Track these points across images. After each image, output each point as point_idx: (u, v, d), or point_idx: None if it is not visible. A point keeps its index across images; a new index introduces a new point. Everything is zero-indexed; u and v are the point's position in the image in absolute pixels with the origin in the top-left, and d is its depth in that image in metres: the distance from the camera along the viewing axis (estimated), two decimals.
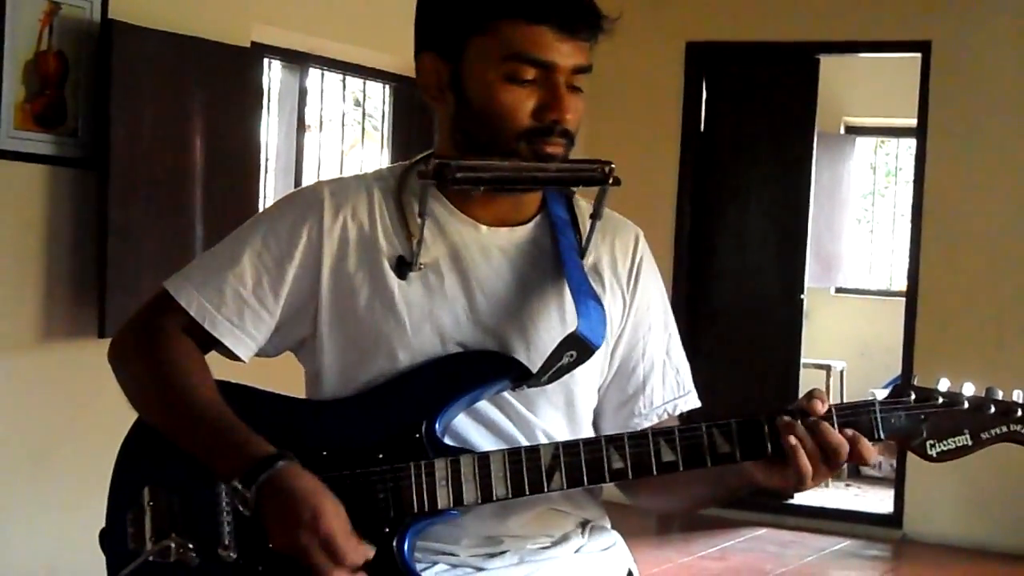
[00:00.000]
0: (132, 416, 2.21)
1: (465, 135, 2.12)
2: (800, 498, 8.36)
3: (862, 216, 11.32)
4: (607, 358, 2.25)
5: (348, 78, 7.23)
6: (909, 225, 8.07)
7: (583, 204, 2.27)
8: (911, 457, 7.17)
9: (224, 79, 5.69)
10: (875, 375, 9.46)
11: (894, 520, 7.92)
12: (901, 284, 9.14)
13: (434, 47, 2.14)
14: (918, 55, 7.87)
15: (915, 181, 8.04)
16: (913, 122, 8.06)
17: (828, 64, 8.74)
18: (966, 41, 7.72)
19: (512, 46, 2.05)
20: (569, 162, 2.10)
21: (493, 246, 2.17)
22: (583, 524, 2.23)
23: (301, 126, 6.76)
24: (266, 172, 6.23)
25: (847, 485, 9.39)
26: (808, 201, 8.48)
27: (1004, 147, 7.65)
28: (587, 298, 2.13)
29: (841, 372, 9.87)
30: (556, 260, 2.18)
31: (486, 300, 2.14)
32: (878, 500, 8.72)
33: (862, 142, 10.93)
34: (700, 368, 2.51)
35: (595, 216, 2.18)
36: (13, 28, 4.92)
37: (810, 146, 8.48)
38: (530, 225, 2.21)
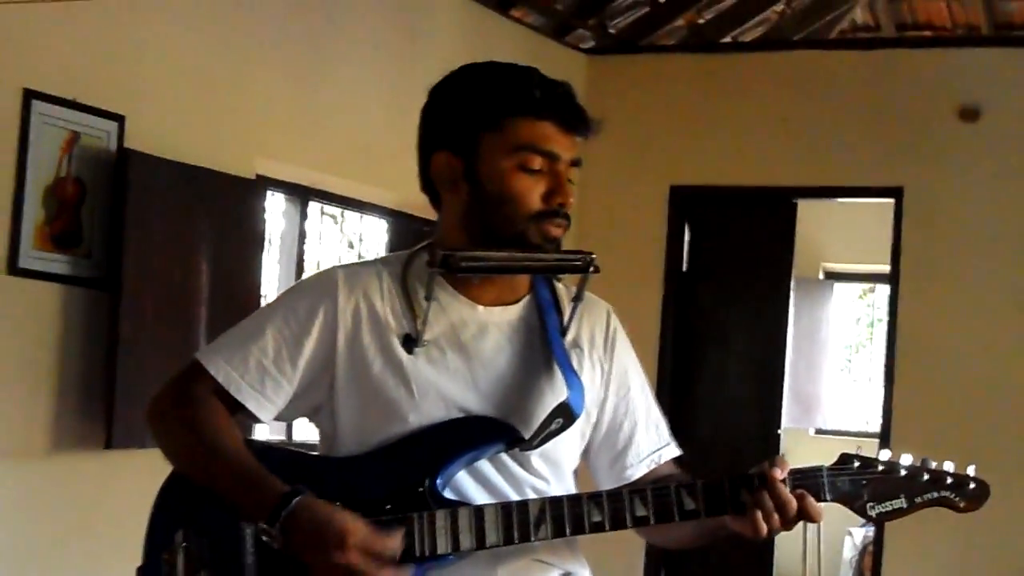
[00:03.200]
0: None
1: (478, 220, 2.38)
2: None
3: (845, 366, 11.56)
4: (589, 423, 2.52)
5: (347, 212, 7.50)
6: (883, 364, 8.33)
7: (561, 287, 2.56)
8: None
9: (229, 207, 5.92)
10: (852, 515, 9.60)
11: None
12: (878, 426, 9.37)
13: (447, 145, 2.41)
14: (891, 201, 8.18)
15: (888, 323, 8.29)
16: (889, 269, 8.33)
17: (807, 211, 9.06)
18: (937, 187, 8.02)
19: (522, 139, 2.34)
20: (558, 252, 2.38)
21: (490, 323, 2.44)
22: (565, 575, 2.46)
23: (300, 264, 7.03)
24: (265, 296, 6.45)
25: None
26: (785, 341, 8.73)
27: (975, 291, 7.90)
28: (571, 373, 2.42)
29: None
30: (544, 337, 2.45)
31: (484, 371, 2.40)
32: None
33: (841, 288, 11.20)
34: None
35: (577, 299, 2.48)
36: (35, 155, 5.13)
37: (787, 287, 8.75)
38: (520, 304, 2.48)
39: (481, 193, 2.38)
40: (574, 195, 2.41)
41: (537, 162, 2.35)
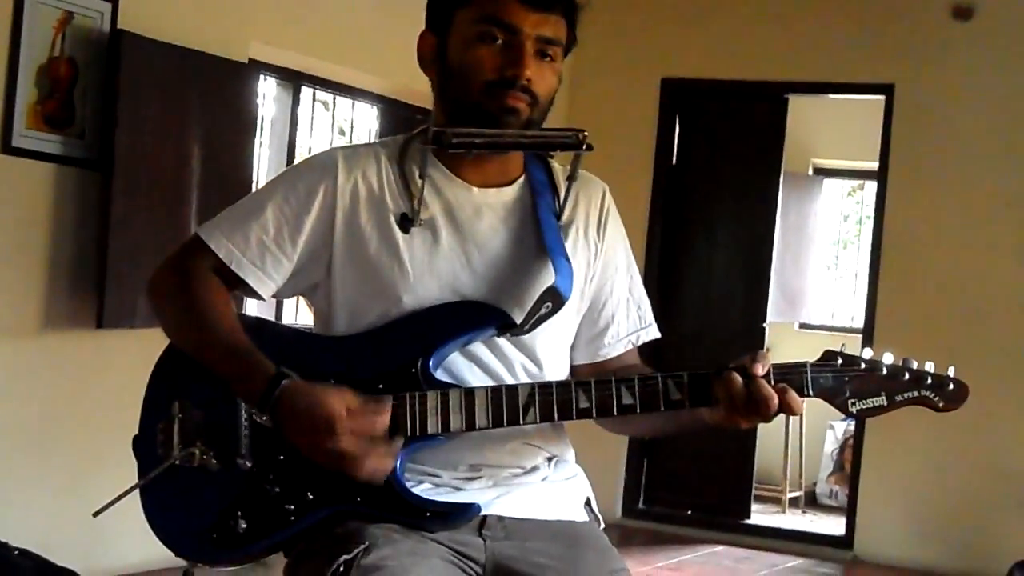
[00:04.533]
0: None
1: (446, 95, 2.45)
2: (757, 519, 8.70)
3: (832, 262, 11.61)
4: (582, 300, 2.57)
5: (338, 98, 7.52)
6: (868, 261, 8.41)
7: (557, 166, 2.59)
8: (863, 484, 7.50)
9: (222, 91, 5.94)
10: (834, 410, 9.69)
11: (845, 542, 8.20)
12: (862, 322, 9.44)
13: (430, 25, 2.49)
14: (882, 98, 8.21)
15: (875, 220, 8.33)
16: (878, 166, 8.36)
17: (798, 107, 9.05)
18: (928, 85, 8.03)
19: (484, 11, 2.38)
20: (548, 129, 2.42)
21: (484, 205, 2.48)
22: (550, 458, 2.53)
23: (292, 151, 7.04)
24: (257, 179, 6.47)
25: (803, 512, 9.66)
26: (773, 236, 8.76)
27: (962, 191, 7.94)
28: (560, 256, 2.45)
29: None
30: (536, 218, 2.49)
31: (478, 252, 2.45)
32: (832, 526, 9.00)
33: (830, 184, 11.22)
34: None
35: (571, 178, 2.51)
36: (29, 35, 5.14)
37: (777, 182, 8.77)
38: (514, 186, 2.52)
39: (447, 67, 2.43)
40: (551, 76, 2.43)
41: (497, 34, 2.38)
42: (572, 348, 2.62)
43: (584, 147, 2.40)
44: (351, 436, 2.22)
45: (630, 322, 2.63)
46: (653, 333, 2.67)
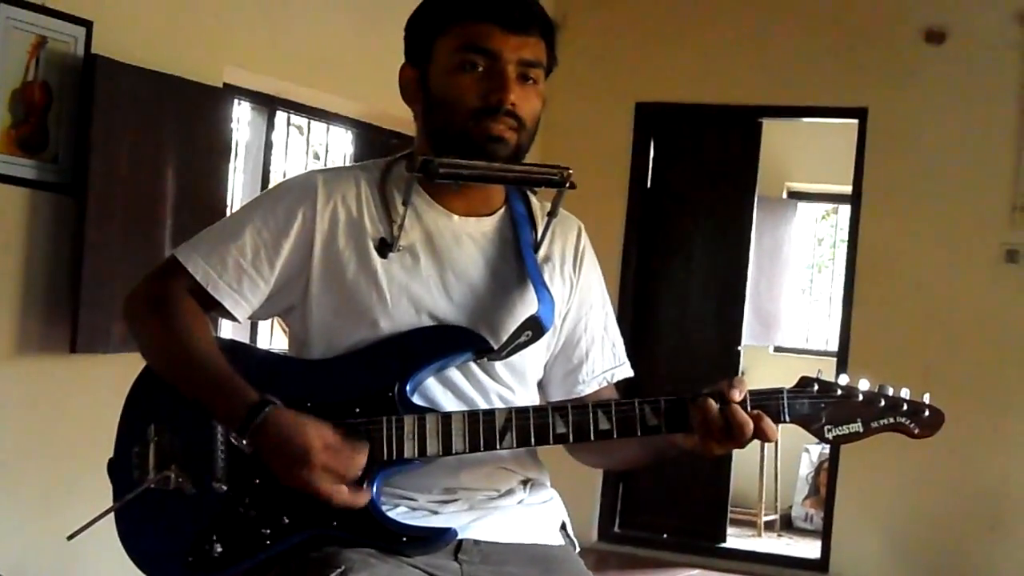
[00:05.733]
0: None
1: (430, 127, 2.45)
2: (733, 543, 8.71)
3: (806, 286, 11.64)
4: (555, 336, 2.59)
5: (313, 123, 7.51)
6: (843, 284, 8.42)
7: (536, 201, 2.61)
8: (838, 507, 7.51)
9: (197, 115, 5.90)
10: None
11: (821, 565, 8.21)
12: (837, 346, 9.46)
13: (409, 57, 2.50)
14: (855, 122, 8.23)
15: (849, 243, 8.37)
16: (851, 190, 8.38)
17: (772, 131, 9.10)
18: (901, 108, 8.07)
19: (463, 39, 2.39)
20: (534, 165, 2.42)
21: (464, 233, 2.49)
22: (525, 481, 2.54)
23: (266, 175, 7.02)
24: (231, 203, 6.46)
25: (779, 535, 9.68)
26: (747, 259, 8.79)
27: (935, 212, 7.97)
28: (542, 287, 2.47)
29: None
30: (517, 250, 2.51)
31: (456, 280, 2.46)
32: (807, 549, 9.01)
33: (804, 207, 11.25)
34: None
35: (551, 214, 2.53)
36: (2, 59, 5.08)
37: (751, 206, 8.80)
38: (495, 216, 2.54)
39: (430, 99, 2.44)
40: (535, 98, 2.44)
41: (479, 61, 2.39)
42: (548, 384, 2.64)
43: (568, 185, 2.40)
44: (323, 471, 2.22)
45: (605, 360, 2.66)
46: (627, 371, 2.70)
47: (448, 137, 2.41)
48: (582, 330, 2.63)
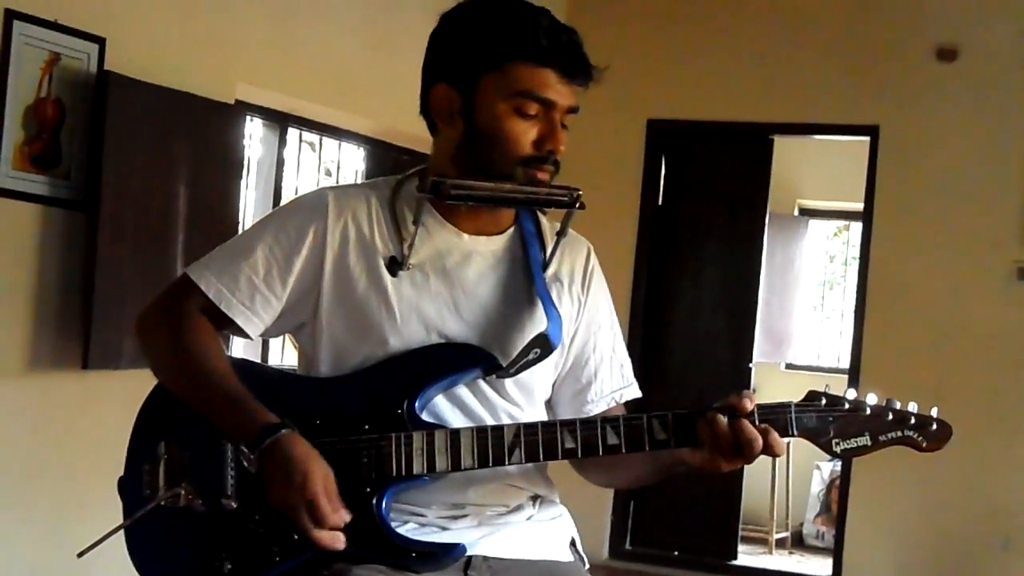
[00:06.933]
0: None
1: (469, 156, 2.43)
2: (744, 560, 8.70)
3: (817, 303, 11.62)
4: (563, 355, 2.59)
5: (325, 139, 7.52)
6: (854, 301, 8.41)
7: (545, 221, 2.62)
8: (849, 524, 7.50)
9: (209, 132, 5.91)
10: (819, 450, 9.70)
11: None
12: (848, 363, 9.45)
13: (448, 79, 2.45)
14: (867, 139, 8.23)
15: (860, 260, 8.37)
16: (863, 207, 8.38)
17: (783, 148, 9.09)
18: (913, 126, 8.07)
19: (521, 84, 2.38)
20: (544, 186, 2.42)
21: (474, 252, 2.50)
22: (534, 497, 2.55)
23: (278, 191, 7.03)
24: (243, 220, 6.47)
25: (790, 553, 9.67)
26: (759, 277, 8.80)
27: (948, 232, 7.97)
28: (551, 305, 2.48)
29: (788, 443, 10.09)
30: (526, 269, 2.52)
31: (466, 298, 2.47)
32: (819, 567, 8.99)
33: (815, 224, 11.25)
34: None
35: (561, 234, 2.55)
36: (15, 76, 5.11)
37: (762, 223, 8.81)
38: (504, 236, 2.55)
39: (475, 131, 2.42)
40: (566, 141, 2.44)
41: (533, 108, 2.39)
42: (557, 404, 2.64)
43: (578, 206, 2.41)
44: (310, 506, 2.22)
45: (613, 380, 2.66)
46: (635, 392, 2.70)
47: (489, 174, 2.40)
48: (590, 350, 2.64)
